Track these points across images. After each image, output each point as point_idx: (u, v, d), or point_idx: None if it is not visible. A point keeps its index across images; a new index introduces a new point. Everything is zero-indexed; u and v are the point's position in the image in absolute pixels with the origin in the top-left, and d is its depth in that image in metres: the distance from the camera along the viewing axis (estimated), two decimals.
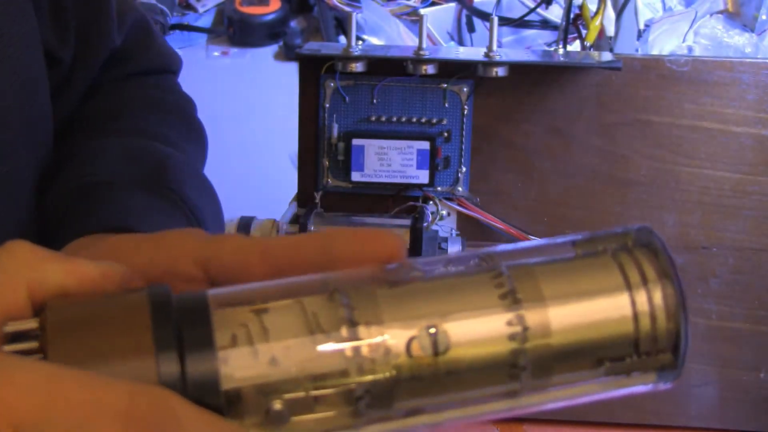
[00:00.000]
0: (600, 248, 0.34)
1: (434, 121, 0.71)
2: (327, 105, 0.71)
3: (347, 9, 1.12)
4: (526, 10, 1.03)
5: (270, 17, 1.21)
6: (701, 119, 0.70)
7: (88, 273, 0.31)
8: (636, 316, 0.32)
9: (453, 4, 1.09)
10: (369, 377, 0.30)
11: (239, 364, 0.29)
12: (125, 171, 0.53)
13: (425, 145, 0.71)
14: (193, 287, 0.33)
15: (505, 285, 0.32)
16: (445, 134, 0.71)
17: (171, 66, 0.68)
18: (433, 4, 1.11)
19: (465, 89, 0.71)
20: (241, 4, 1.22)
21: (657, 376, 0.33)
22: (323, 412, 0.30)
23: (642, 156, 0.71)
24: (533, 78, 0.70)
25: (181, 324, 0.30)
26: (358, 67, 0.68)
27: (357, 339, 0.30)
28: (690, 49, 1.01)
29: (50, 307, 0.30)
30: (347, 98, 0.71)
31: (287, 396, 0.30)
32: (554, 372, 0.32)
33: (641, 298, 0.32)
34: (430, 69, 0.68)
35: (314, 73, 0.71)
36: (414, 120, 0.71)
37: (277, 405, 0.30)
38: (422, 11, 1.08)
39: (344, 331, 0.30)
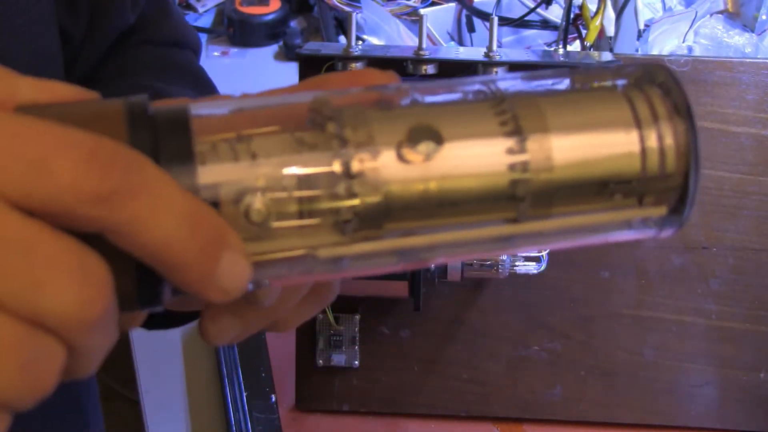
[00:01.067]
0: (604, 82, 0.32)
1: None
2: None
3: (347, 9, 1.12)
4: (526, 10, 1.03)
5: (270, 17, 1.21)
6: (701, 119, 0.70)
7: (62, 91, 0.29)
8: (644, 152, 0.30)
9: (453, 4, 1.09)
10: (358, 193, 0.28)
11: (218, 169, 0.27)
12: None
13: None
14: None
15: (507, 113, 0.30)
16: None
17: (189, 41, 0.66)
18: (433, 4, 1.11)
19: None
20: (241, 4, 1.22)
21: (662, 216, 0.31)
22: (307, 222, 0.28)
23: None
24: None
25: (158, 132, 0.28)
26: (358, 67, 0.68)
27: (344, 146, 0.28)
28: (690, 49, 1.01)
29: (21, 108, 0.28)
30: None
31: (268, 195, 0.28)
32: (556, 201, 0.30)
33: (651, 134, 0.30)
34: (430, 69, 0.68)
35: (314, 73, 0.71)
36: None
37: (257, 204, 0.28)
38: (422, 11, 1.08)
39: (330, 141, 0.28)
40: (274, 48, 1.22)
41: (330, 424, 0.74)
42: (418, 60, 0.68)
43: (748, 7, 1.04)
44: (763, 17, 1.02)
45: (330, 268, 0.29)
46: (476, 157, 0.29)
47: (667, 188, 0.31)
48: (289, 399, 0.74)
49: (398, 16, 1.10)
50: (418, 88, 0.31)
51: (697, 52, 1.01)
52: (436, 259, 0.31)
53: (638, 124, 0.30)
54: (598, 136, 0.30)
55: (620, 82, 0.32)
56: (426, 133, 0.29)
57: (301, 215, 0.28)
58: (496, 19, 0.68)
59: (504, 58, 0.68)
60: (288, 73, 1.14)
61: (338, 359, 0.72)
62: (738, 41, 1.00)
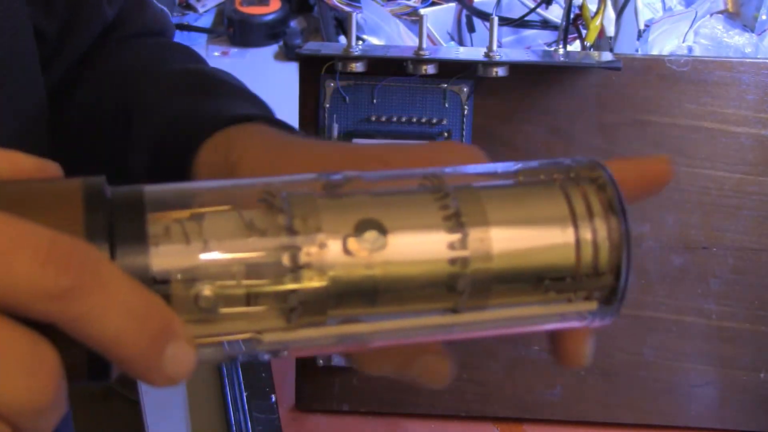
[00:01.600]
0: (543, 176, 0.33)
1: (434, 121, 0.71)
2: (327, 105, 0.71)
3: (347, 9, 1.12)
4: (526, 10, 1.03)
5: (270, 17, 1.21)
6: (701, 119, 0.70)
7: (21, 163, 0.30)
8: (579, 247, 0.32)
9: (453, 4, 1.09)
10: (304, 282, 0.30)
11: (170, 252, 0.29)
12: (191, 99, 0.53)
13: None
14: None
15: (450, 207, 0.31)
16: (445, 134, 0.71)
17: (166, 31, 0.67)
18: (433, 4, 1.11)
19: (465, 89, 0.71)
20: (241, 4, 1.22)
21: (596, 307, 0.33)
22: (254, 308, 0.29)
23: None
24: (533, 78, 0.70)
25: (114, 214, 0.29)
26: (358, 67, 0.68)
27: (292, 236, 0.30)
28: (690, 49, 1.01)
29: None
30: (347, 98, 0.71)
31: (218, 283, 0.29)
32: (493, 294, 0.31)
33: (585, 229, 0.32)
34: (430, 69, 0.68)
35: (314, 73, 0.71)
36: (414, 120, 0.71)
37: (207, 291, 0.29)
38: (422, 11, 1.08)
39: (279, 230, 0.30)
40: (274, 48, 1.22)
41: (330, 424, 0.74)
42: (418, 60, 0.68)
43: (748, 7, 1.04)
44: (763, 17, 1.02)
45: (274, 349, 0.31)
46: (418, 250, 0.31)
47: (600, 284, 0.32)
48: (289, 399, 0.74)
49: (398, 16, 1.10)
50: (367, 177, 0.33)
51: (697, 52, 1.01)
52: (376, 343, 0.33)
53: (574, 220, 0.32)
54: (535, 232, 0.32)
55: (560, 177, 0.33)
56: (371, 225, 0.30)
57: (248, 301, 0.29)
58: (496, 19, 0.68)
59: (504, 58, 0.68)
60: (288, 73, 1.14)
61: (338, 359, 0.72)
62: (738, 41, 1.00)
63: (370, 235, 0.30)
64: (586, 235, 0.32)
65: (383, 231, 0.30)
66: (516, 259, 0.32)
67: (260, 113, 0.49)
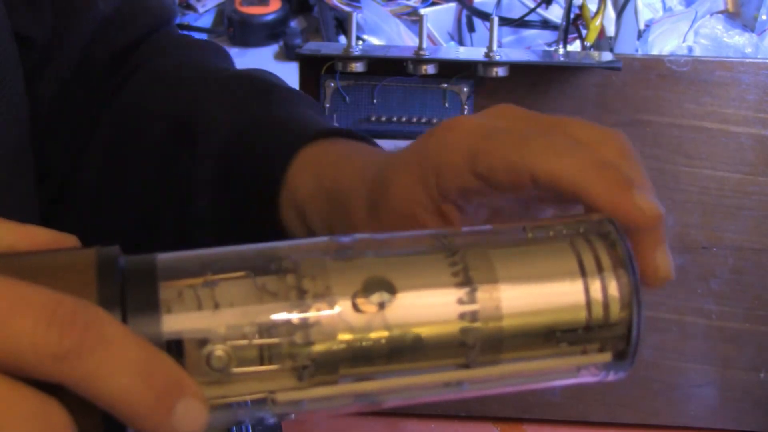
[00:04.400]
0: (552, 233, 0.34)
1: (434, 121, 0.71)
2: (327, 105, 0.71)
3: (347, 9, 1.12)
4: (526, 10, 1.03)
5: (270, 17, 1.21)
6: (701, 119, 0.70)
7: (38, 237, 0.31)
8: (589, 304, 0.32)
9: (453, 4, 1.09)
10: (315, 340, 0.30)
11: (182, 315, 0.29)
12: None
13: None
14: (460, 180, 0.35)
15: (458, 264, 0.32)
16: None
17: (171, 17, 0.64)
18: (433, 4, 1.11)
19: (465, 89, 0.71)
20: (241, 4, 1.22)
21: (610, 358, 0.33)
22: (266, 367, 0.30)
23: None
24: (533, 78, 0.70)
25: (126, 282, 0.29)
26: (358, 67, 0.68)
27: (302, 295, 0.30)
28: (690, 49, 1.01)
29: None
30: (347, 98, 0.71)
31: (230, 344, 0.29)
32: (505, 347, 0.32)
33: (595, 285, 0.32)
34: (430, 69, 0.68)
35: (314, 73, 0.71)
36: (414, 120, 0.71)
37: (219, 351, 0.29)
38: (422, 11, 1.08)
39: (289, 290, 0.30)
40: (274, 48, 1.22)
41: (330, 424, 0.74)
42: (418, 60, 0.68)
43: (748, 7, 1.04)
44: (763, 17, 1.02)
45: (287, 409, 0.31)
46: (428, 307, 0.31)
47: (612, 337, 0.33)
48: None
49: (398, 16, 1.10)
50: (375, 239, 0.33)
51: (697, 52, 1.01)
52: (390, 402, 0.33)
53: (584, 276, 0.32)
54: (545, 287, 0.32)
55: (568, 232, 0.34)
56: (380, 284, 0.31)
57: (260, 361, 0.30)
58: (496, 19, 0.68)
59: (504, 58, 0.68)
60: (288, 73, 1.14)
61: None
62: (738, 41, 1.00)
63: (379, 294, 0.31)
64: (597, 290, 0.32)
65: (392, 289, 0.31)
66: (526, 314, 0.32)
67: (339, 128, 0.49)
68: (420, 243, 0.33)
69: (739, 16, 1.05)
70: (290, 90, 0.55)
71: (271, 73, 0.57)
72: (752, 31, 1.02)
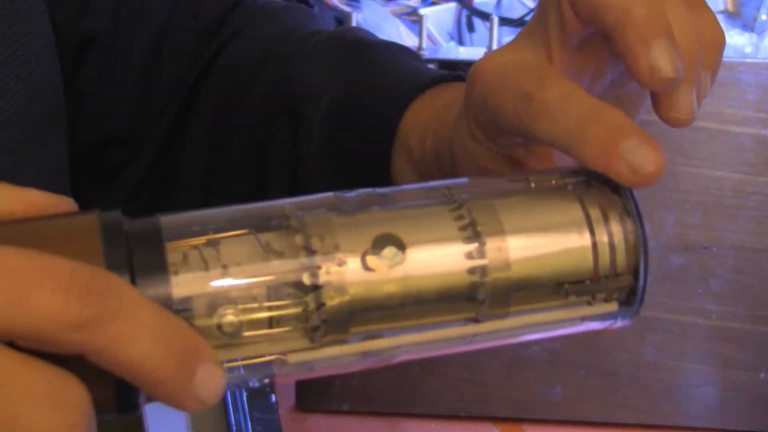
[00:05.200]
0: (555, 182, 0.34)
1: None
2: None
3: (347, 9, 1.12)
4: (526, 10, 1.03)
5: None
6: (701, 119, 0.70)
7: (37, 201, 0.30)
8: (596, 251, 0.32)
9: (453, 4, 1.09)
10: (326, 301, 0.30)
11: (190, 279, 0.29)
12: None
13: None
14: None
15: (465, 217, 0.31)
16: None
17: None
18: (433, 4, 1.11)
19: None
20: None
21: (616, 308, 0.33)
22: (277, 330, 0.30)
23: None
24: None
25: (132, 246, 0.29)
26: None
27: (311, 256, 0.30)
28: None
29: None
30: None
31: (240, 307, 0.29)
32: (513, 301, 0.32)
33: (602, 232, 0.32)
34: None
35: None
36: None
37: (230, 316, 0.29)
38: (422, 11, 1.08)
39: (298, 251, 0.30)
40: None
41: (330, 424, 0.74)
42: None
43: (748, 7, 1.04)
44: (763, 17, 1.02)
45: (299, 370, 0.31)
46: (437, 263, 0.31)
47: (619, 285, 0.33)
48: (289, 399, 0.74)
49: (398, 16, 1.10)
50: (379, 193, 0.33)
51: None
52: (399, 357, 0.33)
53: (589, 225, 0.32)
54: (552, 238, 0.32)
55: (571, 181, 0.34)
56: (389, 240, 0.31)
57: (271, 324, 0.30)
58: (496, 19, 0.68)
59: None
60: None
61: None
62: (738, 41, 1.00)
63: (389, 250, 0.31)
64: (603, 238, 0.32)
65: (401, 245, 0.31)
66: (534, 265, 0.32)
67: (444, 73, 0.48)
68: (425, 196, 0.33)
69: (739, 16, 1.05)
70: (385, 44, 0.54)
71: (361, 29, 0.57)
72: (752, 31, 1.02)
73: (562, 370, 0.73)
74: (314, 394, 0.74)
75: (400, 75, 0.50)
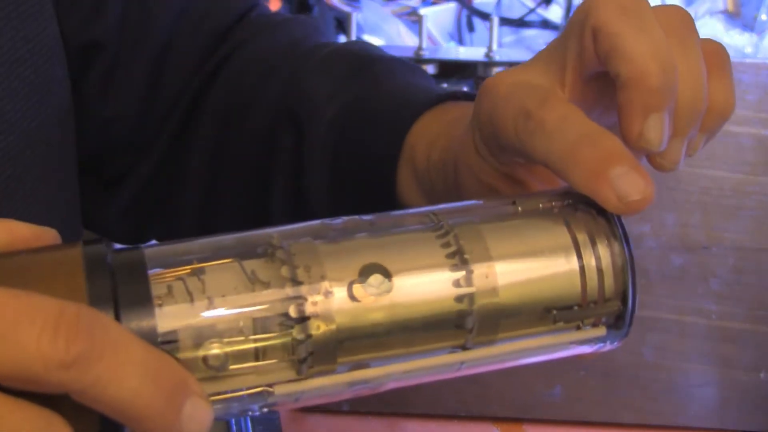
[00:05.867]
0: (541, 206, 0.33)
1: None
2: None
3: (347, 9, 1.12)
4: (526, 10, 1.03)
5: None
6: None
7: (18, 232, 0.30)
8: (584, 275, 0.32)
9: (453, 4, 1.09)
10: (312, 333, 0.30)
11: (175, 312, 0.29)
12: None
13: None
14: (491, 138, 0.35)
15: (452, 245, 0.31)
16: None
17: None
18: (433, 4, 1.11)
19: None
20: None
21: (605, 332, 0.33)
22: (264, 362, 0.30)
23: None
24: None
25: (116, 280, 0.29)
26: None
27: (297, 287, 0.30)
28: None
29: None
30: None
31: (226, 339, 0.29)
32: (501, 327, 0.32)
33: (589, 256, 0.32)
34: (430, 69, 0.68)
35: None
36: None
37: (215, 349, 0.29)
38: (422, 11, 1.08)
39: (283, 282, 0.30)
40: None
41: (330, 424, 0.74)
42: (418, 60, 0.68)
43: (748, 7, 1.04)
44: (763, 17, 1.02)
45: (285, 401, 0.31)
46: (425, 291, 0.31)
47: (607, 310, 0.33)
48: None
49: (398, 16, 1.10)
50: (365, 219, 0.33)
51: None
52: (387, 385, 0.33)
53: (577, 249, 0.32)
54: (540, 263, 0.32)
55: (558, 205, 0.33)
56: (375, 269, 0.30)
57: (257, 356, 0.29)
58: (496, 19, 0.68)
59: (504, 58, 0.68)
60: None
61: None
62: (738, 41, 1.00)
63: (375, 279, 0.30)
64: (590, 262, 0.32)
65: (388, 274, 0.30)
66: (522, 291, 0.32)
67: (450, 91, 0.49)
68: (412, 222, 0.33)
69: (739, 16, 1.05)
70: (392, 59, 0.54)
71: (369, 44, 0.56)
72: (752, 31, 1.02)
73: (562, 370, 0.73)
74: None
75: (409, 89, 0.50)
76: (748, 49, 1.00)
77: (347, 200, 0.50)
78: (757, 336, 0.72)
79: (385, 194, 0.47)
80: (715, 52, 0.38)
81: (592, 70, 0.37)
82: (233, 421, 0.71)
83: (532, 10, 1.03)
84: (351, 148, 0.50)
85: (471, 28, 1.09)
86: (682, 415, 0.73)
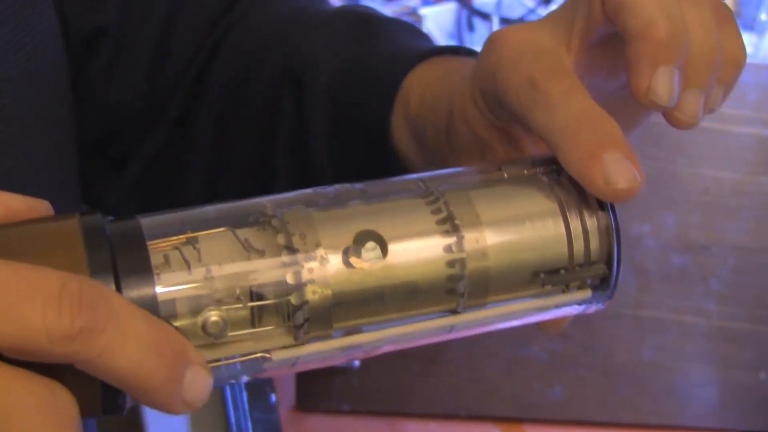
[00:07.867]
0: (527, 172, 0.34)
1: None
2: None
3: None
4: (526, 10, 1.03)
5: None
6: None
7: (12, 204, 0.30)
8: (570, 239, 0.33)
9: (453, 4, 1.09)
10: (308, 299, 0.30)
11: (173, 281, 0.29)
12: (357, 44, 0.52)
13: None
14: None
15: (442, 210, 0.32)
16: None
17: None
18: (433, 4, 1.11)
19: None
20: None
21: (590, 294, 0.34)
22: (261, 329, 0.30)
23: (642, 156, 0.70)
24: None
25: (114, 250, 0.29)
26: None
27: (293, 254, 0.30)
28: None
29: None
30: None
31: (223, 307, 0.29)
32: (491, 292, 0.32)
33: (575, 221, 0.33)
34: None
35: None
36: None
37: (214, 317, 0.29)
38: (422, 11, 1.08)
39: (279, 249, 0.30)
40: None
41: (330, 424, 0.74)
42: None
43: (748, 7, 1.04)
44: (763, 17, 1.02)
45: (282, 366, 0.31)
46: (417, 257, 0.31)
47: (593, 273, 0.33)
48: (289, 399, 0.74)
49: (398, 16, 1.10)
50: (357, 187, 0.33)
51: None
52: (381, 349, 0.33)
53: (563, 213, 0.33)
54: (528, 227, 0.33)
55: (543, 171, 0.34)
56: (370, 236, 0.31)
57: (254, 323, 0.30)
58: (496, 19, 0.68)
59: None
60: None
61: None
62: None
63: (370, 246, 0.31)
64: (576, 226, 0.33)
65: (382, 241, 0.31)
66: (511, 255, 0.32)
67: (445, 46, 0.49)
68: (402, 190, 0.33)
69: (739, 16, 1.05)
70: (391, 20, 0.54)
71: (368, 7, 0.57)
72: (752, 30, 1.02)
73: (562, 370, 0.73)
74: (314, 394, 0.74)
75: (407, 44, 0.50)
76: (749, 49, 1.00)
77: (346, 150, 0.50)
78: (757, 336, 0.72)
79: (380, 139, 0.48)
80: (719, 6, 0.38)
81: (599, 32, 0.37)
82: (233, 420, 0.71)
83: (532, 10, 1.03)
84: (350, 95, 0.50)
85: (471, 28, 1.09)
86: (682, 415, 0.73)
